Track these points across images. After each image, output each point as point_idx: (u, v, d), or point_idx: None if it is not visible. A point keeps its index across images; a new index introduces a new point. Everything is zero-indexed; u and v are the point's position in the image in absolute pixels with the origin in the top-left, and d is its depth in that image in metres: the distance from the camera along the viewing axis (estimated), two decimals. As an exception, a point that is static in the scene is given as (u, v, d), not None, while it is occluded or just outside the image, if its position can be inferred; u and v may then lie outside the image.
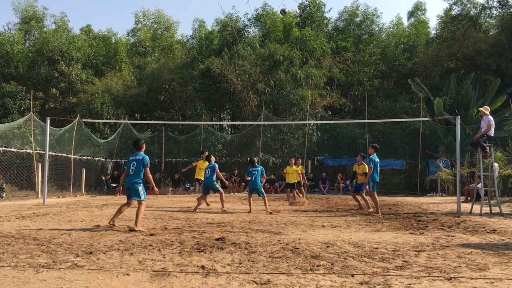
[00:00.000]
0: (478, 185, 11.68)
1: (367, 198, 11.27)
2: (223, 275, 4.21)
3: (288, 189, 13.94)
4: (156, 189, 7.70)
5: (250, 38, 26.00)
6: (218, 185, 11.54)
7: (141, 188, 7.47)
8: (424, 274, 4.29)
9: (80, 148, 19.12)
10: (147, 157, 7.62)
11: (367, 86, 26.03)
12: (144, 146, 7.85)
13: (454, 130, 12.38)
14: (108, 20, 61.80)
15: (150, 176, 7.59)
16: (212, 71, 23.73)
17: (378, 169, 10.18)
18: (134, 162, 7.55)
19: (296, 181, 13.65)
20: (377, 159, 10.13)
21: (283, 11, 12.90)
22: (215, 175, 11.38)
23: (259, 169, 11.28)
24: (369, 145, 20.70)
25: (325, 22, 28.27)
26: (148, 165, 7.58)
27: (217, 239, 6.17)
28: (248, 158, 11.62)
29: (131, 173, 7.50)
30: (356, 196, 11.49)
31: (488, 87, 21.37)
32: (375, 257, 5.05)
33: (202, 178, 12.45)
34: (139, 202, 7.45)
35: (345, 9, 29.91)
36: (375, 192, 10.24)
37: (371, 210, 10.64)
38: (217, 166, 11.42)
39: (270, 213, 10.53)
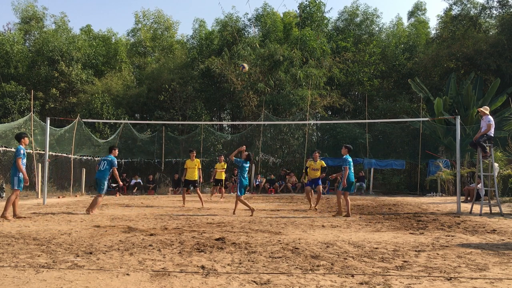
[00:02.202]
0: (478, 185, 11.69)
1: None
2: (223, 275, 4.21)
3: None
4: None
5: (250, 38, 26.00)
6: (105, 186, 9.98)
7: (15, 179, 8.68)
8: (424, 274, 4.29)
9: (80, 148, 19.12)
10: (20, 147, 8.88)
11: (367, 86, 26.03)
12: (25, 140, 9.13)
13: (454, 130, 12.38)
14: (108, 20, 61.82)
15: (21, 165, 8.72)
16: (212, 71, 23.72)
17: (352, 169, 10.07)
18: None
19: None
20: (350, 159, 9.99)
21: (243, 67, 12.78)
22: (110, 172, 10.10)
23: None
24: (371, 145, 20.74)
25: (325, 22, 28.28)
26: (19, 156, 8.76)
27: (217, 239, 6.17)
28: (246, 153, 10.47)
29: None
30: (312, 192, 11.81)
31: (488, 87, 21.37)
32: (375, 257, 5.05)
33: (192, 178, 12.66)
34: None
35: (345, 9, 29.96)
36: (348, 193, 9.97)
37: (316, 207, 11.46)
38: (115, 162, 10.15)
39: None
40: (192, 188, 12.99)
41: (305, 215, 10.19)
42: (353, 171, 10.12)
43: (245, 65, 12.21)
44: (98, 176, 10.20)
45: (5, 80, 23.33)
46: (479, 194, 11.35)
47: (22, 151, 8.82)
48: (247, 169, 10.28)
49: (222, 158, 15.41)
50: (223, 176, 15.23)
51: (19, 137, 9.14)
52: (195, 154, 12.96)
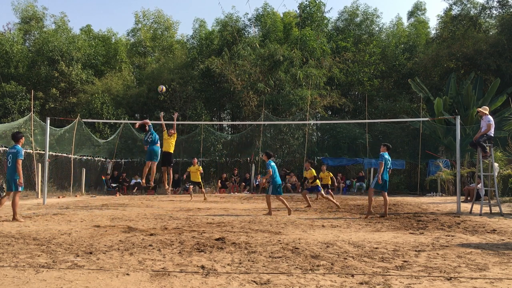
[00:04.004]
0: (478, 185, 11.69)
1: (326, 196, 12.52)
2: (223, 275, 4.21)
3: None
4: (21, 181, 8.39)
5: (250, 38, 25.99)
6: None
7: (15, 181, 8.32)
8: (424, 274, 4.29)
9: (80, 148, 19.12)
10: (20, 148, 8.43)
11: (367, 86, 26.03)
12: (23, 139, 8.74)
13: (454, 130, 12.38)
14: (108, 20, 61.77)
15: (20, 168, 8.31)
16: (212, 71, 23.72)
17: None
18: (10, 155, 8.46)
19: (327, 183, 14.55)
20: (387, 156, 10.02)
21: (161, 90, 12.69)
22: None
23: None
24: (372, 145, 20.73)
25: (325, 22, 28.28)
26: (21, 157, 8.35)
27: (217, 239, 6.17)
28: (265, 152, 10.77)
29: (9, 165, 8.40)
30: (306, 194, 12.60)
31: (488, 87, 21.37)
32: (375, 257, 5.05)
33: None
34: (15, 194, 8.38)
35: (345, 9, 29.93)
36: (385, 192, 9.89)
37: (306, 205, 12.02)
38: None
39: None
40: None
41: (305, 215, 10.19)
42: (388, 170, 10.02)
43: (163, 87, 12.02)
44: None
45: (5, 80, 23.32)
46: (479, 194, 11.35)
47: (23, 152, 8.62)
48: (275, 168, 10.41)
49: (196, 160, 15.93)
50: (199, 178, 15.45)
51: (17, 137, 8.77)
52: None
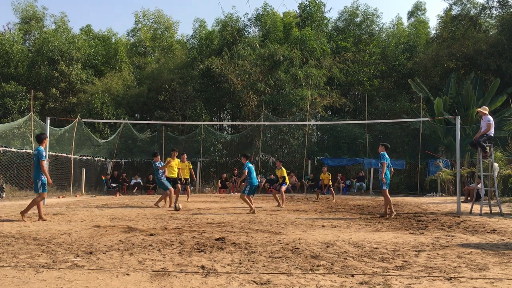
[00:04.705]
0: (478, 185, 11.69)
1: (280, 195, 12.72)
2: (223, 275, 4.21)
3: (318, 189, 16.79)
4: (50, 181, 8.47)
5: (250, 38, 26.00)
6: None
7: (39, 182, 8.34)
8: (424, 274, 4.29)
9: (80, 148, 19.12)
10: (41, 150, 8.39)
11: (367, 86, 26.03)
12: (46, 141, 8.74)
13: (454, 130, 12.38)
14: (108, 20, 61.82)
15: (45, 169, 8.37)
16: (212, 71, 23.72)
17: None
18: (34, 157, 8.51)
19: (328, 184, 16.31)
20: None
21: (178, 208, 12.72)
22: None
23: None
24: (371, 145, 20.73)
25: (325, 22, 28.29)
26: (43, 158, 8.33)
27: (217, 239, 6.17)
28: (243, 155, 11.53)
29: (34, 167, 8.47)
30: (276, 193, 12.85)
31: (488, 87, 21.37)
32: (375, 257, 5.05)
33: (174, 176, 12.82)
34: (38, 195, 8.41)
35: (345, 9, 29.97)
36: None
37: (282, 206, 12.22)
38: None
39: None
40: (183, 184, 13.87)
41: (305, 215, 10.19)
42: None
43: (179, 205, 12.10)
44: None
45: (5, 80, 23.33)
46: (479, 194, 11.35)
47: (44, 153, 8.49)
48: (252, 169, 11.10)
49: (185, 156, 14.66)
50: (188, 175, 14.66)
51: (41, 138, 8.66)
52: (186, 157, 14.52)
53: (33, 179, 8.57)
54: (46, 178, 8.48)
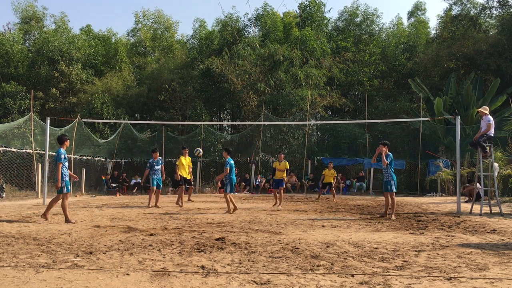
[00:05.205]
0: (477, 185, 11.69)
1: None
2: (223, 275, 4.21)
3: (322, 188, 16.02)
4: (59, 184, 8.27)
5: (250, 38, 25.99)
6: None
7: (62, 183, 8.30)
8: (424, 274, 4.29)
9: (80, 148, 19.13)
10: (59, 151, 8.34)
11: (367, 86, 26.03)
12: (67, 143, 8.63)
13: (454, 130, 12.38)
14: (108, 20, 61.81)
15: (59, 172, 8.25)
16: (212, 71, 23.71)
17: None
18: (54, 159, 8.55)
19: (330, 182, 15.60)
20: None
21: (197, 154, 12.91)
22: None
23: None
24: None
25: (325, 22, 28.27)
26: (60, 161, 8.25)
27: (217, 239, 6.17)
28: (225, 149, 11.19)
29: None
30: (276, 192, 12.28)
31: (488, 87, 21.36)
32: (375, 257, 5.05)
33: (186, 175, 12.72)
34: (61, 196, 8.37)
35: (345, 9, 29.92)
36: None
37: (280, 206, 11.84)
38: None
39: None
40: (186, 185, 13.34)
41: (305, 215, 10.19)
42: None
43: (199, 151, 12.29)
44: None
45: (5, 80, 23.33)
46: (479, 194, 11.35)
47: (62, 156, 8.30)
48: (233, 166, 10.83)
49: (187, 151, 13.28)
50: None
51: (61, 140, 8.55)
52: (187, 152, 13.12)
53: (55, 180, 8.58)
54: (68, 179, 8.39)
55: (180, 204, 12.17)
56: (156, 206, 11.89)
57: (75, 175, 9.11)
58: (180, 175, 12.66)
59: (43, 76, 25.19)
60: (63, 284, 3.88)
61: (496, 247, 5.79)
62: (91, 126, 21.55)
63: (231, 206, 10.42)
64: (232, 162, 10.72)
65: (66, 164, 8.56)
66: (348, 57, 25.41)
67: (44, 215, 8.48)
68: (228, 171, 10.41)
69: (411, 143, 22.03)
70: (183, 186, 12.75)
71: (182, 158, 12.82)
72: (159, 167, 12.36)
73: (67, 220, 8.20)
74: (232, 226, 7.85)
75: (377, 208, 12.07)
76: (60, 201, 8.50)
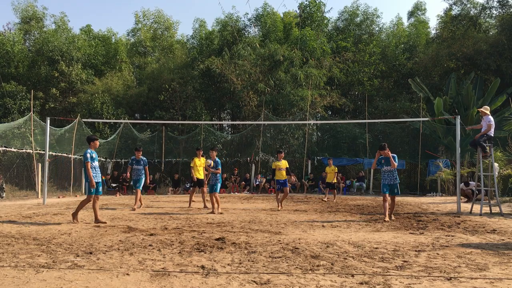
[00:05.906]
0: (471, 183, 11.69)
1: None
2: (223, 275, 4.21)
3: (328, 188, 15.76)
4: (93, 183, 8.12)
5: (250, 38, 26.00)
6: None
7: (87, 184, 8.27)
8: (424, 274, 4.29)
9: (80, 148, 19.11)
10: (86, 151, 8.28)
11: (367, 86, 26.03)
12: (95, 143, 8.47)
13: (454, 130, 12.38)
14: (108, 20, 61.84)
15: (89, 171, 8.14)
16: (212, 71, 23.73)
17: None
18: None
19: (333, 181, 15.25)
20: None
21: (209, 165, 12.44)
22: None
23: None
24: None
25: (325, 22, 28.28)
26: (87, 160, 8.16)
27: (217, 239, 6.17)
28: (215, 149, 11.20)
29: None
30: (280, 193, 11.66)
31: (488, 87, 21.37)
32: (375, 257, 5.05)
33: (200, 177, 12.14)
34: (91, 197, 8.29)
35: (345, 9, 29.95)
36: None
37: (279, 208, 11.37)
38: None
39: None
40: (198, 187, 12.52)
41: (305, 215, 10.19)
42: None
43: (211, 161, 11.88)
44: None
45: (5, 80, 23.34)
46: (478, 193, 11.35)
47: (89, 155, 8.18)
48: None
49: (201, 152, 12.64)
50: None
51: (89, 140, 8.52)
52: (201, 152, 12.51)
53: (85, 182, 8.61)
54: (96, 179, 8.23)
55: (189, 205, 12.08)
56: (133, 209, 11.09)
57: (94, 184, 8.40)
58: (196, 177, 12.11)
59: (43, 76, 25.20)
60: (63, 284, 3.87)
61: (496, 247, 5.79)
62: (91, 126, 21.55)
63: (216, 206, 10.34)
64: (219, 160, 10.94)
65: (95, 164, 8.36)
66: (348, 57, 25.42)
67: (74, 217, 8.32)
68: (220, 171, 10.63)
69: (411, 143, 22.04)
70: (195, 188, 12.42)
71: (196, 159, 12.29)
72: (140, 167, 11.48)
73: (98, 221, 8.14)
74: (232, 226, 7.85)
75: (377, 208, 12.07)
76: (91, 202, 8.39)
